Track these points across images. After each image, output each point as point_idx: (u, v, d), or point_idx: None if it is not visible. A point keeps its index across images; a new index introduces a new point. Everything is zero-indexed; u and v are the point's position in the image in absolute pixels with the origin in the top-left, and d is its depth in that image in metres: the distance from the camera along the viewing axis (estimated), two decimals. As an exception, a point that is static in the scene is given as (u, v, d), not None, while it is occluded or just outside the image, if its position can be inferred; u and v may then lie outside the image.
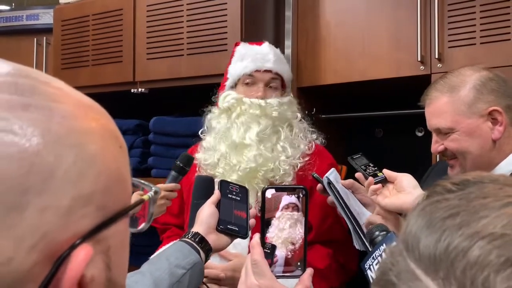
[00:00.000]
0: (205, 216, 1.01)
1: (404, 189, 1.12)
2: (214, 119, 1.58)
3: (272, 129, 1.53)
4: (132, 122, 2.25)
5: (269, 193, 0.90)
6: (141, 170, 2.23)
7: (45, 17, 2.74)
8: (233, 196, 1.07)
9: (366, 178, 1.18)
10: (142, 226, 0.43)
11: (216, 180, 1.26)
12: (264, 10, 2.11)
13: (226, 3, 1.96)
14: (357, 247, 1.34)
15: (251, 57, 1.59)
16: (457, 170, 1.22)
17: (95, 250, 0.34)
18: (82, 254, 0.33)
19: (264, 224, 0.89)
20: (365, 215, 1.27)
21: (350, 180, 1.35)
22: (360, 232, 1.25)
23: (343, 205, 1.29)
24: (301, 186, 0.92)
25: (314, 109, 2.20)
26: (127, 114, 2.38)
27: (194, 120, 2.04)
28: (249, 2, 1.98)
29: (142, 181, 0.44)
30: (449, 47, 1.80)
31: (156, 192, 0.43)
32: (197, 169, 1.55)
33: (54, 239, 0.32)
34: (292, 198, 0.88)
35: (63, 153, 0.33)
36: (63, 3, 2.46)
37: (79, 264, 0.33)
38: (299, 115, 1.62)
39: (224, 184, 1.09)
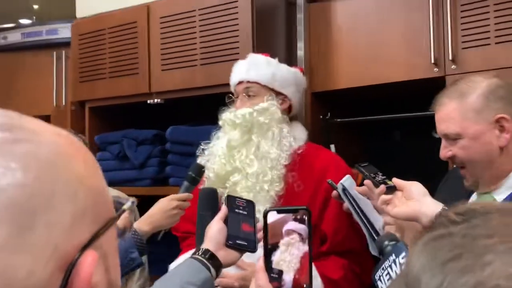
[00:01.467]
0: (214, 233, 1.03)
1: (413, 197, 1.12)
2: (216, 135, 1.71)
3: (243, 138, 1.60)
4: (150, 132, 2.29)
5: (271, 216, 0.89)
6: (159, 179, 2.27)
7: (64, 31, 2.81)
8: (240, 211, 1.08)
9: (376, 186, 1.18)
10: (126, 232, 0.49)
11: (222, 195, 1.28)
12: (276, 17, 2.12)
13: (237, 13, 1.98)
14: (373, 253, 1.34)
15: (234, 72, 1.71)
16: (470, 180, 1.22)
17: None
18: (89, 259, 0.38)
19: (267, 248, 0.89)
20: (380, 221, 1.27)
21: (365, 187, 1.35)
22: (376, 238, 1.25)
23: (358, 211, 1.29)
24: (304, 207, 0.91)
25: (329, 113, 2.20)
26: (144, 124, 2.43)
27: (209, 128, 2.06)
28: (260, 10, 2.00)
29: (119, 196, 0.49)
30: (463, 48, 1.77)
31: (132, 202, 0.48)
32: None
33: (64, 250, 0.37)
34: (298, 224, 0.88)
35: (56, 177, 0.38)
36: (80, 17, 2.52)
37: (89, 266, 0.37)
38: (266, 121, 1.62)
39: (230, 199, 1.10)
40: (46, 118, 2.64)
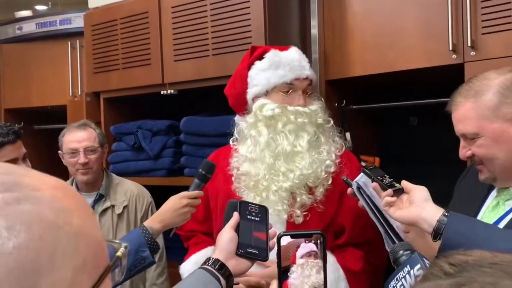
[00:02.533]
0: (224, 242, 1.02)
1: (415, 202, 1.10)
2: (251, 128, 1.55)
3: (316, 135, 1.54)
4: (164, 123, 2.30)
5: (285, 240, 0.89)
6: (174, 170, 2.28)
7: (77, 20, 2.81)
8: (252, 217, 1.06)
9: (383, 189, 1.17)
10: (117, 276, 0.49)
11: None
12: (289, 5, 2.07)
13: (249, 1, 1.94)
14: (389, 250, 1.32)
15: (288, 65, 1.56)
16: (486, 176, 1.19)
17: None
18: None
19: (280, 271, 0.88)
20: (392, 219, 1.26)
21: (377, 184, 1.33)
22: (393, 235, 1.23)
23: (373, 208, 1.27)
24: (319, 232, 0.90)
25: (344, 101, 2.16)
26: (158, 115, 2.43)
27: (222, 119, 2.06)
28: (272, -3, 1.95)
29: (113, 240, 0.50)
30: (483, 34, 1.71)
31: (126, 247, 0.49)
32: (233, 178, 1.55)
33: None
34: (313, 246, 0.87)
35: (58, 234, 0.40)
36: (92, 8, 2.51)
37: None
38: (331, 120, 1.60)
39: (243, 205, 1.09)
40: (63, 108, 2.67)
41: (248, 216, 1.06)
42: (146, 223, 1.41)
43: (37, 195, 0.41)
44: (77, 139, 1.96)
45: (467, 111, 1.15)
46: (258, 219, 1.07)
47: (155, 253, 1.40)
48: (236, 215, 1.06)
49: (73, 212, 0.42)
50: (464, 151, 1.19)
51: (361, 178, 1.29)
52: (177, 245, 2.04)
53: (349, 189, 1.33)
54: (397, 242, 1.18)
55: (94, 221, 0.45)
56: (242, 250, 1.02)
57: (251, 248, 1.02)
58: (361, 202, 1.30)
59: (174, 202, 1.40)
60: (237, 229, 1.04)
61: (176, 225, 1.43)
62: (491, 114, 1.12)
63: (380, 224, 1.25)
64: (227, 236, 1.02)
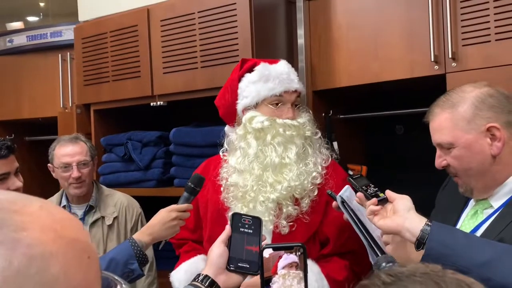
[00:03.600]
0: (214, 257, 1.01)
1: (398, 212, 1.13)
2: (240, 140, 1.57)
3: (304, 147, 1.56)
4: (154, 134, 2.32)
5: (267, 252, 0.90)
6: (164, 180, 2.30)
7: (68, 33, 2.84)
8: (245, 230, 1.05)
9: (368, 199, 1.20)
10: None
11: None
12: (275, 17, 2.12)
13: (236, 15, 1.98)
14: (373, 262, 1.35)
15: (277, 78, 1.58)
16: (462, 189, 1.23)
17: None
18: None
19: (263, 282, 0.88)
20: (378, 231, 1.29)
21: (361, 194, 1.36)
22: (376, 248, 1.26)
23: (357, 222, 1.29)
24: (299, 244, 0.91)
25: (331, 111, 2.20)
26: (148, 126, 2.46)
27: (211, 130, 2.09)
28: (259, 10, 2.00)
29: (113, 277, 0.48)
30: (463, 45, 1.76)
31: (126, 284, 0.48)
32: (222, 189, 1.57)
33: None
34: (295, 257, 0.89)
35: (24, 283, 0.38)
36: (82, 21, 2.54)
37: None
38: (318, 132, 1.63)
39: (236, 217, 1.07)
40: (53, 120, 2.68)
41: (241, 229, 1.05)
42: (135, 236, 1.42)
43: (17, 237, 0.39)
44: (70, 153, 1.97)
45: (443, 121, 1.19)
46: (251, 231, 1.05)
47: (144, 266, 1.41)
48: (227, 228, 1.05)
49: (54, 258, 0.39)
50: (439, 161, 1.22)
51: (345, 192, 1.32)
52: (167, 254, 2.06)
53: (334, 203, 1.36)
54: (379, 254, 1.21)
55: (89, 264, 0.42)
56: (233, 265, 1.00)
57: (242, 262, 1.01)
58: (345, 216, 1.33)
59: (163, 215, 1.41)
60: (229, 242, 1.03)
61: (166, 238, 1.44)
62: (465, 125, 1.16)
63: (363, 237, 1.28)
64: (217, 251, 1.02)
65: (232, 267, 1.00)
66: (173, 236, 1.45)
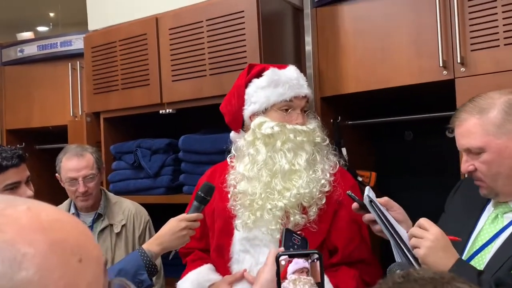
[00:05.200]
0: (266, 280, 0.98)
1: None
2: (249, 146, 1.54)
3: (313, 154, 1.54)
4: (163, 142, 2.33)
5: (283, 259, 0.88)
6: (173, 187, 2.31)
7: (78, 42, 2.87)
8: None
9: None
10: None
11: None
12: (283, 24, 2.13)
13: (243, 22, 2.00)
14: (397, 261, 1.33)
15: (287, 83, 1.56)
16: (486, 191, 1.24)
17: None
18: None
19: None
20: (404, 232, 1.28)
21: (386, 198, 1.35)
22: (404, 248, 1.24)
23: (385, 222, 1.28)
24: (315, 251, 0.90)
25: (339, 117, 2.20)
26: (157, 134, 2.47)
27: (220, 137, 2.10)
28: (266, 17, 2.01)
29: (127, 282, 0.47)
30: (472, 50, 1.75)
31: None
32: (229, 196, 1.54)
33: None
34: (305, 263, 0.88)
35: None
36: (91, 30, 2.57)
37: None
38: (327, 138, 1.60)
39: (288, 234, 1.04)
40: (63, 128, 2.71)
41: (291, 249, 1.02)
42: (145, 246, 1.42)
43: None
44: (76, 167, 1.94)
45: (472, 127, 1.20)
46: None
47: (153, 276, 1.41)
48: (281, 249, 1.01)
49: (28, 261, 0.38)
50: (466, 165, 1.23)
51: (370, 192, 1.30)
52: (174, 262, 2.05)
53: (354, 204, 1.33)
54: (408, 254, 1.20)
55: (79, 267, 0.40)
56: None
57: None
58: (368, 216, 1.31)
59: (173, 225, 1.41)
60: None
61: (176, 248, 1.43)
62: (496, 130, 1.17)
63: (392, 237, 1.25)
64: (270, 275, 0.98)
65: None
66: (183, 245, 1.44)
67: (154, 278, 2.02)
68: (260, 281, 1.00)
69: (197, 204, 1.42)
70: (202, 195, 1.42)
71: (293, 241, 1.04)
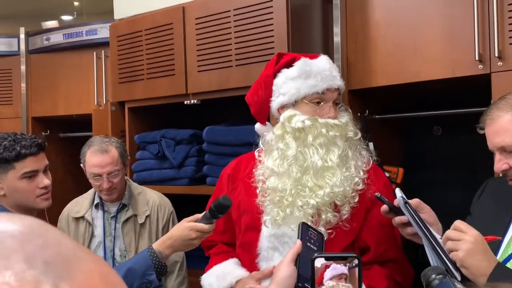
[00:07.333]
0: (283, 278, 0.95)
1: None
2: (278, 140, 1.48)
3: (345, 149, 1.46)
4: (187, 132, 2.32)
5: (318, 262, 0.85)
6: (196, 178, 2.30)
7: (103, 31, 2.88)
8: (311, 245, 0.99)
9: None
10: None
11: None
12: (311, 15, 2.08)
13: (272, 12, 1.96)
14: (432, 265, 1.29)
15: (319, 74, 1.48)
16: None
17: None
18: None
19: None
20: (437, 234, 1.25)
21: (417, 200, 1.31)
22: (441, 252, 1.20)
23: (420, 224, 1.23)
24: (354, 255, 0.87)
25: (367, 110, 2.15)
26: (182, 124, 2.46)
27: (244, 129, 2.07)
28: (295, 8, 1.97)
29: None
30: (510, 44, 1.68)
31: None
32: (258, 191, 1.48)
33: None
34: (344, 268, 0.84)
35: None
36: (117, 19, 2.57)
37: None
38: (359, 132, 1.53)
39: (304, 228, 1.01)
40: (88, 117, 2.72)
41: (308, 243, 1.00)
42: (155, 246, 1.40)
43: None
44: (100, 164, 1.89)
45: (507, 124, 1.15)
46: (315, 248, 1.00)
47: (163, 276, 1.40)
48: (299, 243, 1.00)
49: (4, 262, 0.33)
50: (500, 164, 1.18)
51: (402, 193, 1.25)
52: (197, 253, 2.04)
53: (384, 206, 1.28)
54: (445, 258, 1.16)
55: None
56: (301, 284, 0.95)
57: (308, 283, 0.95)
58: (399, 219, 1.27)
59: (183, 232, 1.38)
60: (298, 259, 0.97)
61: (186, 250, 1.44)
62: None
63: (426, 239, 1.21)
64: (286, 272, 0.96)
65: (300, 286, 0.95)
66: (193, 248, 1.43)
67: (176, 269, 2.03)
68: (276, 279, 0.97)
69: (209, 215, 1.36)
70: (216, 211, 1.34)
71: (309, 235, 1.01)
